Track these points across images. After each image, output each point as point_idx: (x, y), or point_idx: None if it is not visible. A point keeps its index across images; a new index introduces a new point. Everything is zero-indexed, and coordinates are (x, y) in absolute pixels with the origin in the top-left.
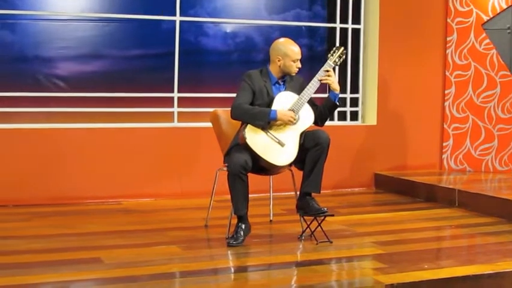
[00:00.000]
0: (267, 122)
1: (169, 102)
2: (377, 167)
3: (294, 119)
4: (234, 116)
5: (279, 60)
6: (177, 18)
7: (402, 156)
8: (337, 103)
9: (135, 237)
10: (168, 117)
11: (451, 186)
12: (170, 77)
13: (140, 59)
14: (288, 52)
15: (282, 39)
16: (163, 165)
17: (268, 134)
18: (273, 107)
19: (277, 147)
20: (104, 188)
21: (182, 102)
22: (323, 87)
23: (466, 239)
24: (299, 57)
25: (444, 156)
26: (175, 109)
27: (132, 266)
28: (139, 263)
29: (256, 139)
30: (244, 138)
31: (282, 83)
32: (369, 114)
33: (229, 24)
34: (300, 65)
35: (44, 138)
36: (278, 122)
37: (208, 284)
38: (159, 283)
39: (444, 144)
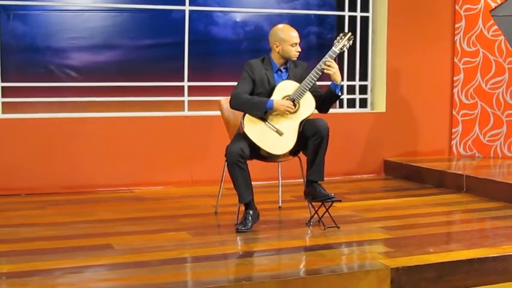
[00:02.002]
0: (263, 111)
1: (179, 91)
2: (386, 154)
3: (292, 109)
4: (231, 105)
5: (277, 46)
6: (187, 7)
7: (411, 143)
8: (338, 94)
9: (146, 224)
10: (179, 106)
11: (459, 172)
12: (180, 66)
13: (151, 48)
14: (285, 37)
15: (279, 25)
16: (173, 154)
17: (267, 123)
18: (274, 96)
19: (275, 136)
20: (116, 176)
21: (192, 91)
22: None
23: (474, 223)
24: (297, 41)
25: (453, 142)
26: (186, 98)
27: (143, 251)
28: (150, 248)
29: (254, 128)
30: (242, 128)
31: (284, 70)
32: (378, 102)
33: (238, 13)
34: (299, 49)
35: (56, 128)
36: (276, 112)
37: (218, 269)
38: (169, 268)
39: (453, 130)
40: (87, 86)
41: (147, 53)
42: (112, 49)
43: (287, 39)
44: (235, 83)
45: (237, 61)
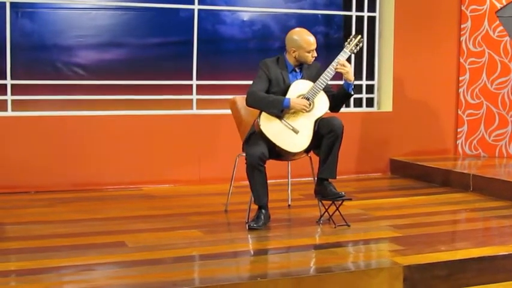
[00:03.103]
0: (280, 110)
1: (188, 89)
2: (393, 153)
3: (307, 107)
4: (248, 103)
5: (293, 52)
6: (195, 6)
7: (417, 142)
8: (351, 92)
9: (157, 222)
10: (187, 104)
11: (465, 171)
12: (189, 65)
13: (159, 47)
14: (302, 44)
15: (296, 30)
16: (182, 152)
17: (283, 121)
18: (288, 95)
19: (291, 134)
20: (124, 174)
21: (201, 89)
22: (341, 74)
23: (481, 222)
24: (313, 47)
25: (459, 141)
26: (194, 96)
27: (155, 249)
28: (161, 246)
29: (270, 126)
30: (258, 126)
31: (298, 71)
32: (385, 101)
33: (246, 13)
34: (315, 54)
35: (64, 126)
36: (292, 110)
37: (228, 267)
38: (181, 266)
39: (459, 130)
40: (95, 84)
41: (155, 51)
42: (120, 47)
43: (304, 47)
44: (243, 82)
45: (244, 60)
